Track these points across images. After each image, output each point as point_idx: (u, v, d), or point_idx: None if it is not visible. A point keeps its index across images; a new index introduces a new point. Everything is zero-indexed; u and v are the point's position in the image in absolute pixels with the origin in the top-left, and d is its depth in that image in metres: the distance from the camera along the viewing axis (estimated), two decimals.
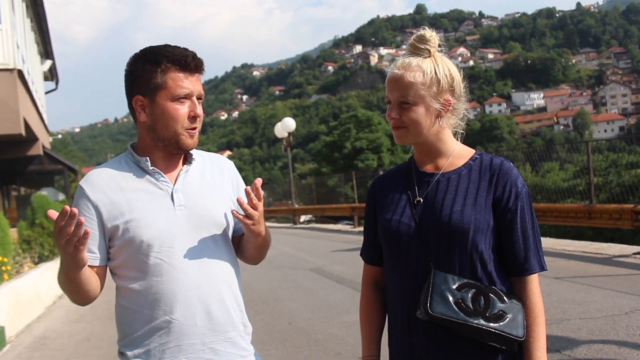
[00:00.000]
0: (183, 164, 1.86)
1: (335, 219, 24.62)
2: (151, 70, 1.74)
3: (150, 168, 1.80)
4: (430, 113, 1.68)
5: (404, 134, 1.71)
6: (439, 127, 1.71)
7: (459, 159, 1.74)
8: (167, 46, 1.79)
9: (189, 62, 1.75)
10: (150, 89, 1.75)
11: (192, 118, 1.77)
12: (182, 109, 1.75)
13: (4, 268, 7.61)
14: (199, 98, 1.79)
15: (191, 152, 1.88)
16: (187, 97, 1.76)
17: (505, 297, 1.62)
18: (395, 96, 1.69)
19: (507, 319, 1.59)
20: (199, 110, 1.78)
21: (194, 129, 1.79)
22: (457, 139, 1.79)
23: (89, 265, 1.72)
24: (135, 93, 1.78)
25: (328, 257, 11.87)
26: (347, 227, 20.31)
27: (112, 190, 1.76)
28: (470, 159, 1.73)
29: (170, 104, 1.74)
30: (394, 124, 1.71)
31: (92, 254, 1.75)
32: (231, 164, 2.01)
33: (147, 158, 1.80)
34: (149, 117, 1.78)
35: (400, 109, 1.68)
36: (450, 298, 1.58)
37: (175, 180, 1.82)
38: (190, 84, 1.76)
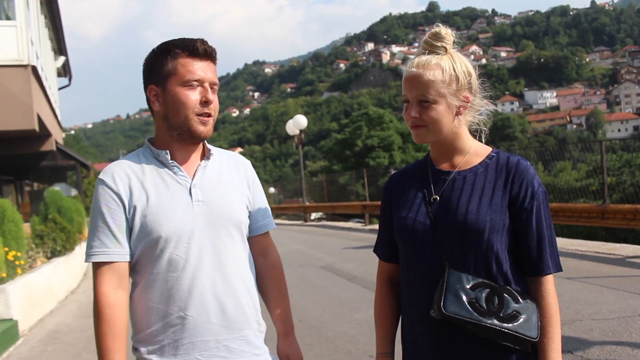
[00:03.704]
0: (201, 160, 1.86)
1: (346, 217, 24.60)
2: (161, 58, 1.76)
3: (170, 161, 1.79)
4: (451, 111, 1.67)
5: (423, 133, 1.69)
6: (457, 125, 1.70)
7: (475, 156, 1.72)
8: (181, 38, 1.80)
9: (197, 46, 1.75)
10: (161, 77, 1.76)
11: (204, 103, 1.76)
12: (193, 95, 1.75)
13: (17, 262, 7.67)
14: (212, 86, 1.79)
15: (209, 147, 1.88)
16: (198, 82, 1.76)
17: (519, 298, 1.60)
18: (415, 95, 1.66)
19: (521, 319, 1.57)
20: (211, 95, 1.77)
21: (207, 115, 1.78)
22: (482, 137, 1.77)
23: (118, 262, 1.72)
24: (149, 83, 1.80)
25: (339, 255, 11.86)
26: (358, 225, 20.30)
27: (132, 183, 1.76)
28: (486, 157, 1.72)
29: (181, 89, 1.74)
30: (414, 122, 1.68)
31: (122, 250, 1.73)
32: (248, 162, 2.01)
33: (167, 151, 1.80)
34: (162, 106, 1.78)
35: (420, 108, 1.66)
36: (464, 297, 1.57)
37: (194, 175, 1.81)
38: (201, 70, 1.76)
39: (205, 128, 1.78)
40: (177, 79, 1.74)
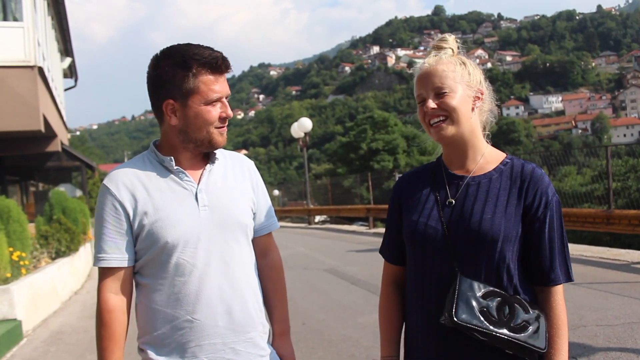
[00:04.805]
0: (206, 164, 1.86)
1: (350, 220, 24.59)
2: (182, 74, 1.72)
3: (175, 167, 1.80)
4: (467, 100, 1.67)
5: (445, 126, 1.66)
6: (474, 119, 1.69)
7: (489, 162, 1.71)
8: (191, 46, 1.76)
9: (220, 64, 1.75)
10: (182, 94, 1.74)
11: (223, 119, 1.79)
12: (214, 111, 1.76)
13: (21, 263, 7.68)
14: (227, 98, 1.81)
15: (214, 150, 1.88)
16: (219, 99, 1.77)
17: (529, 308, 1.59)
18: (430, 87, 1.66)
19: (530, 330, 1.56)
20: (230, 111, 1.80)
21: (224, 127, 1.81)
22: (487, 136, 1.77)
23: (119, 267, 1.77)
24: (165, 97, 1.76)
25: (343, 258, 11.85)
26: (362, 228, 20.26)
27: (136, 190, 1.77)
28: (501, 163, 1.70)
29: (204, 108, 1.75)
30: (433, 114, 1.66)
31: (122, 256, 1.77)
32: (251, 163, 2.01)
33: (172, 157, 1.80)
34: (180, 120, 1.77)
35: (437, 98, 1.66)
36: (475, 306, 1.55)
37: (199, 180, 1.82)
38: (221, 86, 1.77)
39: (223, 138, 1.82)
40: (200, 98, 1.74)
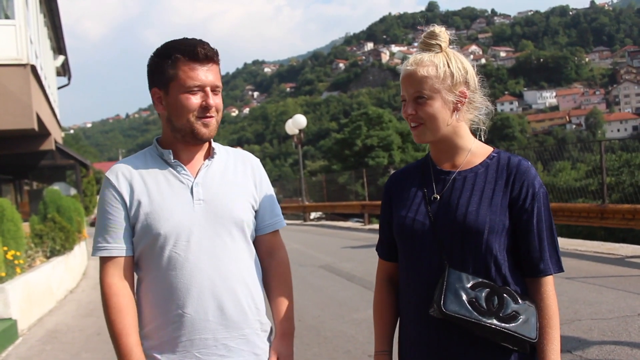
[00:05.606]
0: (206, 158, 1.88)
1: (345, 217, 24.60)
2: (163, 63, 1.78)
3: (173, 160, 1.82)
4: (447, 106, 1.67)
5: (422, 132, 1.69)
6: (455, 122, 1.69)
7: (476, 157, 1.72)
8: (183, 39, 1.81)
9: (197, 52, 1.76)
10: (164, 82, 1.78)
11: (204, 108, 1.78)
12: (194, 99, 1.77)
13: (16, 262, 7.66)
14: (214, 89, 1.80)
15: (214, 146, 1.90)
16: (199, 87, 1.77)
17: (519, 298, 1.60)
18: (410, 92, 1.68)
19: (520, 320, 1.57)
20: (211, 100, 1.78)
21: (208, 117, 1.80)
22: (481, 136, 1.77)
23: (119, 256, 1.77)
24: (153, 86, 1.83)
25: (338, 255, 11.86)
26: (357, 225, 20.29)
27: (134, 181, 1.79)
28: (487, 158, 1.72)
29: (182, 95, 1.76)
30: (411, 120, 1.69)
31: (122, 245, 1.78)
32: (257, 161, 2.01)
33: (170, 151, 1.83)
34: (165, 109, 1.81)
35: (416, 105, 1.67)
36: (464, 296, 1.57)
37: (197, 174, 1.84)
38: (202, 74, 1.77)
39: (207, 129, 1.80)
40: (178, 85, 1.76)
